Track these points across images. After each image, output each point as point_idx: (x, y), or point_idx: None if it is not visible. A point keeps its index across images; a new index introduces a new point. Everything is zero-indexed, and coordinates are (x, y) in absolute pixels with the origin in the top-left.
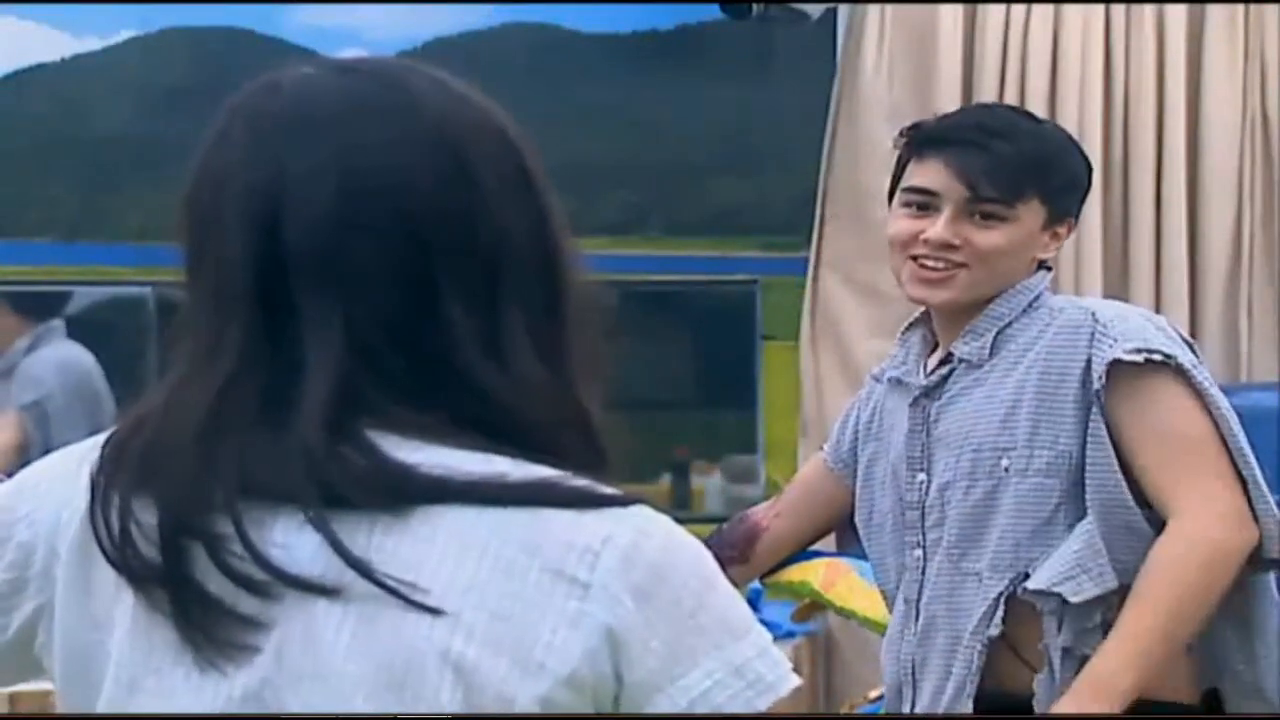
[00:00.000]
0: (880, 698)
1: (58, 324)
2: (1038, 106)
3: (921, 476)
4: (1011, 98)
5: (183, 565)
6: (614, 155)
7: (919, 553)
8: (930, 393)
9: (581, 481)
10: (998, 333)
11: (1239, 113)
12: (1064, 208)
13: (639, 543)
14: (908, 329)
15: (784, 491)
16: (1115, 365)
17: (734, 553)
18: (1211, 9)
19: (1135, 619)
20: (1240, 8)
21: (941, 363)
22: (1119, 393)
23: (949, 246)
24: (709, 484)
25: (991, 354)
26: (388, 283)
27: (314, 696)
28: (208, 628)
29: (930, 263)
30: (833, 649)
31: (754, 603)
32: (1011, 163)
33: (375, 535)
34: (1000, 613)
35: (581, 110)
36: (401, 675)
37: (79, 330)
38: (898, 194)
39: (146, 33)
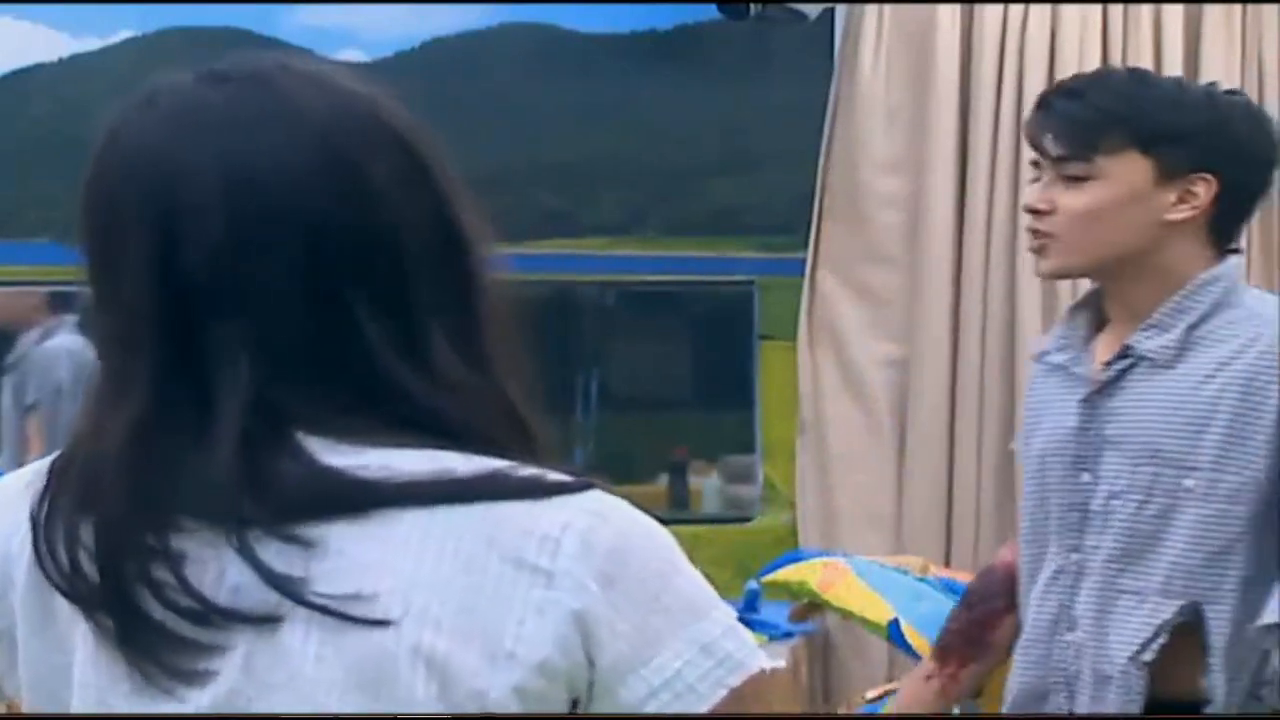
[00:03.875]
0: (880, 697)
1: (71, 319)
2: None
3: (1087, 477)
4: (1009, 98)
5: (126, 596)
6: (611, 155)
7: (1077, 557)
8: (1104, 389)
9: (532, 470)
10: (1187, 329)
11: None
12: (1181, 161)
13: (597, 527)
14: (1076, 308)
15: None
16: None
17: (1005, 601)
18: (1209, 9)
19: None
20: (1237, 8)
21: (1118, 355)
22: None
23: (1037, 212)
24: (707, 484)
25: (1179, 354)
26: (293, 296)
27: (286, 704)
28: (157, 657)
29: (1033, 231)
30: (830, 650)
31: (752, 603)
32: (1079, 117)
33: (321, 547)
34: (1160, 641)
35: (579, 110)
36: (374, 675)
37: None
38: None
39: (145, 33)
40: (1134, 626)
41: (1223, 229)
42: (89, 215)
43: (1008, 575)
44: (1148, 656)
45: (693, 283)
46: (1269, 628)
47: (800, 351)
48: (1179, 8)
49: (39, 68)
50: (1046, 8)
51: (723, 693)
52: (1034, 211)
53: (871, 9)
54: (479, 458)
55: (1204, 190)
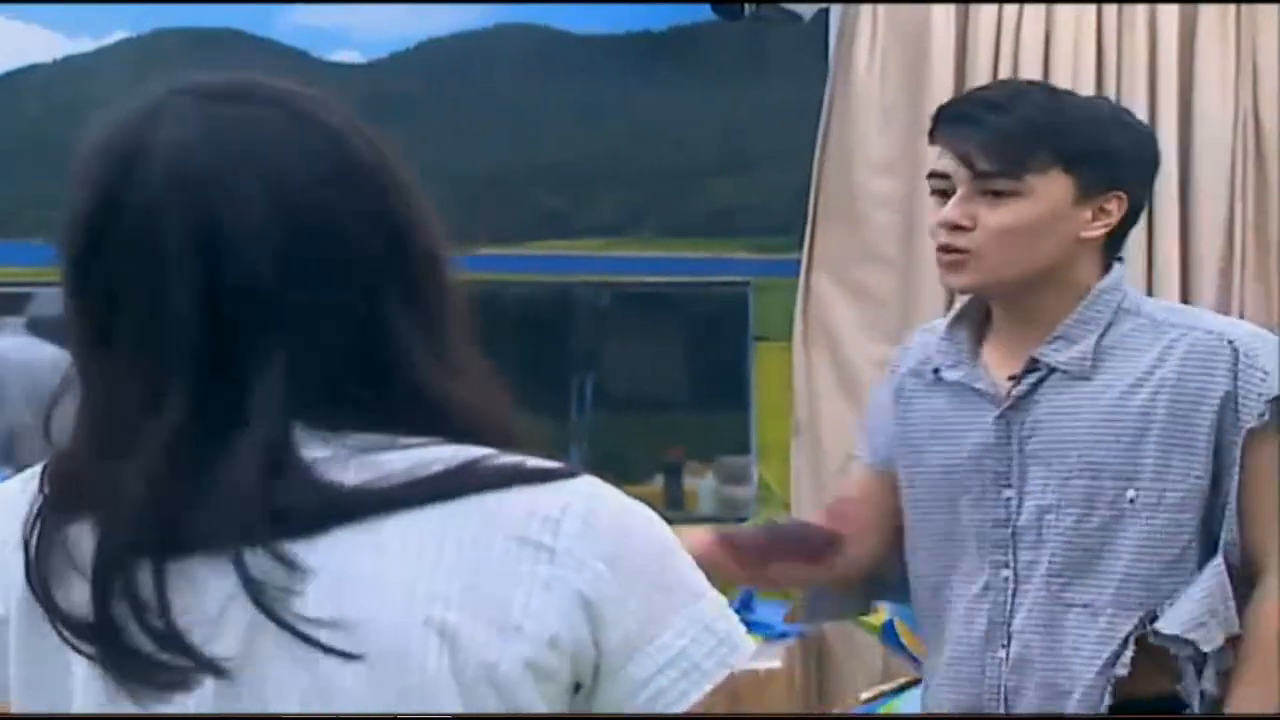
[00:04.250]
0: (874, 698)
1: (15, 321)
2: None
3: (1009, 493)
4: None
5: (112, 625)
6: (607, 156)
7: (1008, 573)
8: (1018, 404)
9: (526, 458)
10: (1097, 340)
11: (1231, 113)
12: (1099, 179)
13: (596, 508)
14: (957, 321)
15: (839, 508)
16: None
17: (819, 551)
18: (1204, 9)
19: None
20: (1232, 8)
21: (1026, 369)
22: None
23: (958, 228)
24: (702, 485)
25: (1094, 365)
26: (338, 310)
27: (299, 679)
28: (144, 677)
29: (948, 247)
30: (825, 650)
31: (748, 603)
32: (1009, 134)
33: (316, 561)
34: (1129, 653)
35: (574, 111)
36: (386, 646)
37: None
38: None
39: (140, 34)
40: (1092, 640)
41: (1118, 240)
42: (107, 228)
43: (831, 540)
44: (1120, 670)
45: (688, 283)
46: (1173, 639)
47: (795, 352)
48: (1174, 8)
49: (34, 68)
50: (1041, 8)
51: (725, 671)
52: (955, 227)
53: (866, 9)
54: (470, 448)
55: (1116, 208)
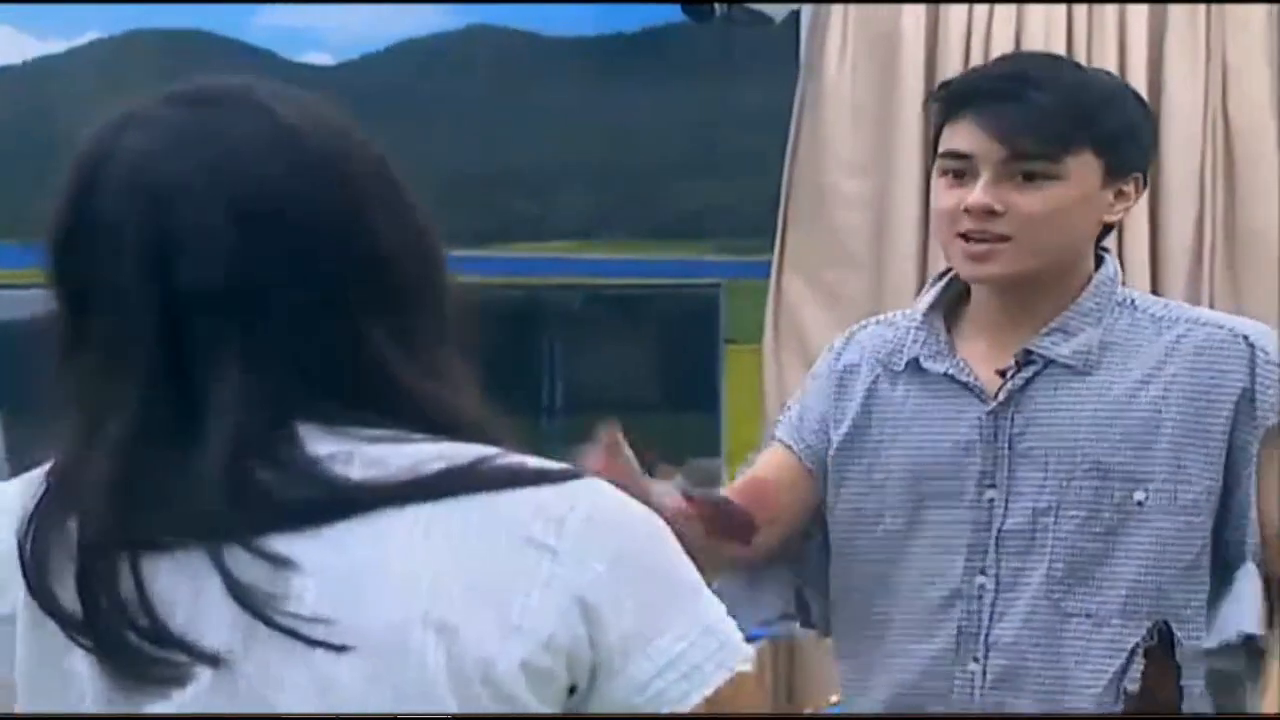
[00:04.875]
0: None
1: None
2: None
3: (993, 494)
4: None
5: (101, 622)
6: (577, 158)
7: (984, 580)
8: (1009, 399)
9: (530, 458)
10: (1101, 333)
11: (1200, 114)
12: (1124, 160)
13: (600, 508)
14: (931, 311)
15: (755, 486)
16: None
17: (740, 530)
18: (1173, 9)
19: None
20: (1201, 8)
21: (1021, 362)
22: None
23: (991, 214)
24: (672, 487)
25: (1096, 360)
26: (292, 304)
27: (295, 672)
28: (140, 673)
29: (976, 235)
30: (795, 652)
31: None
32: (1053, 112)
33: (307, 559)
34: (1138, 665)
35: (545, 113)
36: (384, 639)
37: (43, 333)
38: (935, 165)
39: (111, 35)
40: (1098, 652)
41: (1110, 227)
42: (73, 233)
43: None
44: (1130, 685)
45: (658, 286)
46: (1224, 647)
47: (766, 354)
48: (1143, 8)
49: (3, 69)
50: (1012, 8)
51: (725, 674)
52: (986, 212)
53: (837, 10)
54: (473, 446)
55: (1134, 190)
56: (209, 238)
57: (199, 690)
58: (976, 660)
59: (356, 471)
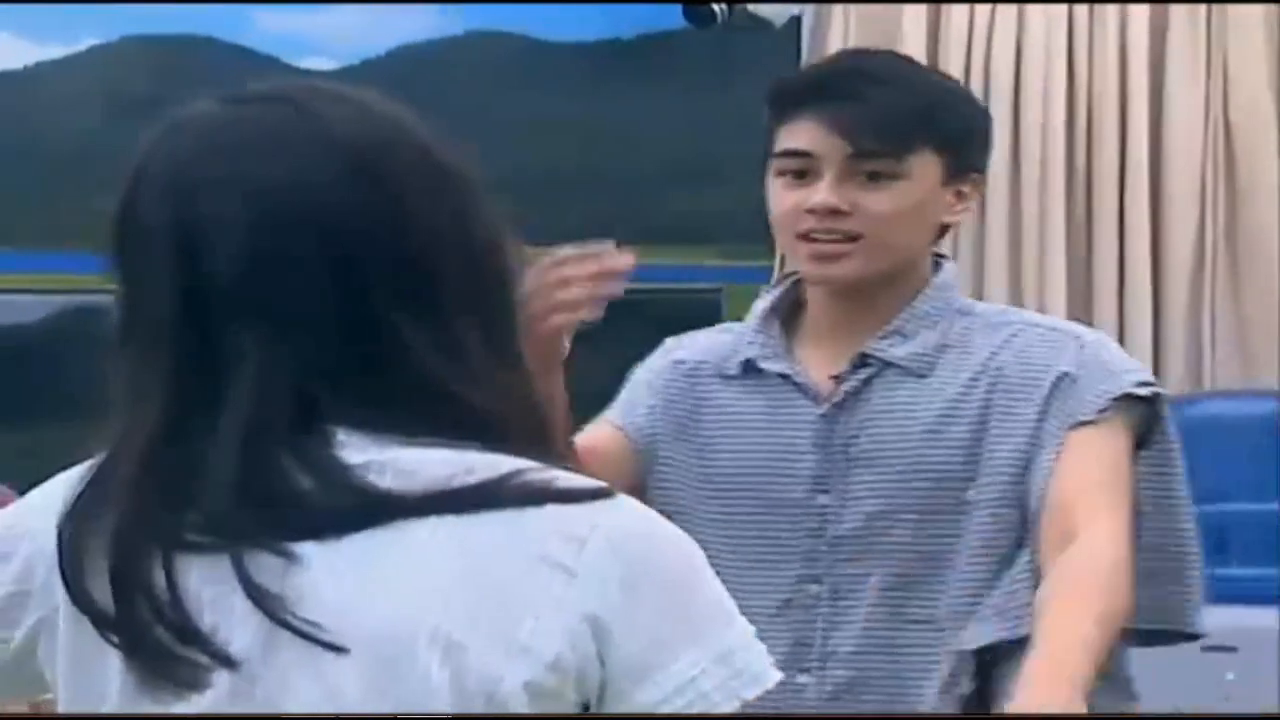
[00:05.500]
0: None
1: None
2: (1002, 108)
3: (825, 499)
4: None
5: (133, 619)
6: (578, 163)
7: (819, 589)
8: (844, 402)
9: (559, 473)
10: (939, 336)
11: (1201, 118)
12: (963, 160)
13: (626, 530)
14: (770, 312)
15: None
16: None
17: None
18: (1174, 9)
19: (1065, 612)
20: (1202, 9)
21: (856, 364)
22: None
23: (837, 213)
24: None
25: (932, 362)
26: (318, 302)
27: (306, 682)
28: (166, 673)
29: (823, 235)
30: None
31: None
32: (895, 110)
33: (333, 558)
34: (972, 666)
35: (546, 118)
36: (390, 652)
37: (39, 339)
38: (770, 165)
39: (109, 40)
40: (936, 660)
41: (946, 229)
42: (118, 238)
43: None
44: (966, 689)
45: (659, 290)
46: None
47: None
48: (1145, 8)
49: (3, 76)
50: (1012, 8)
51: (735, 704)
52: (832, 212)
53: (838, 10)
54: (509, 459)
55: (973, 191)
56: (227, 232)
57: (218, 696)
58: (807, 671)
59: (387, 481)
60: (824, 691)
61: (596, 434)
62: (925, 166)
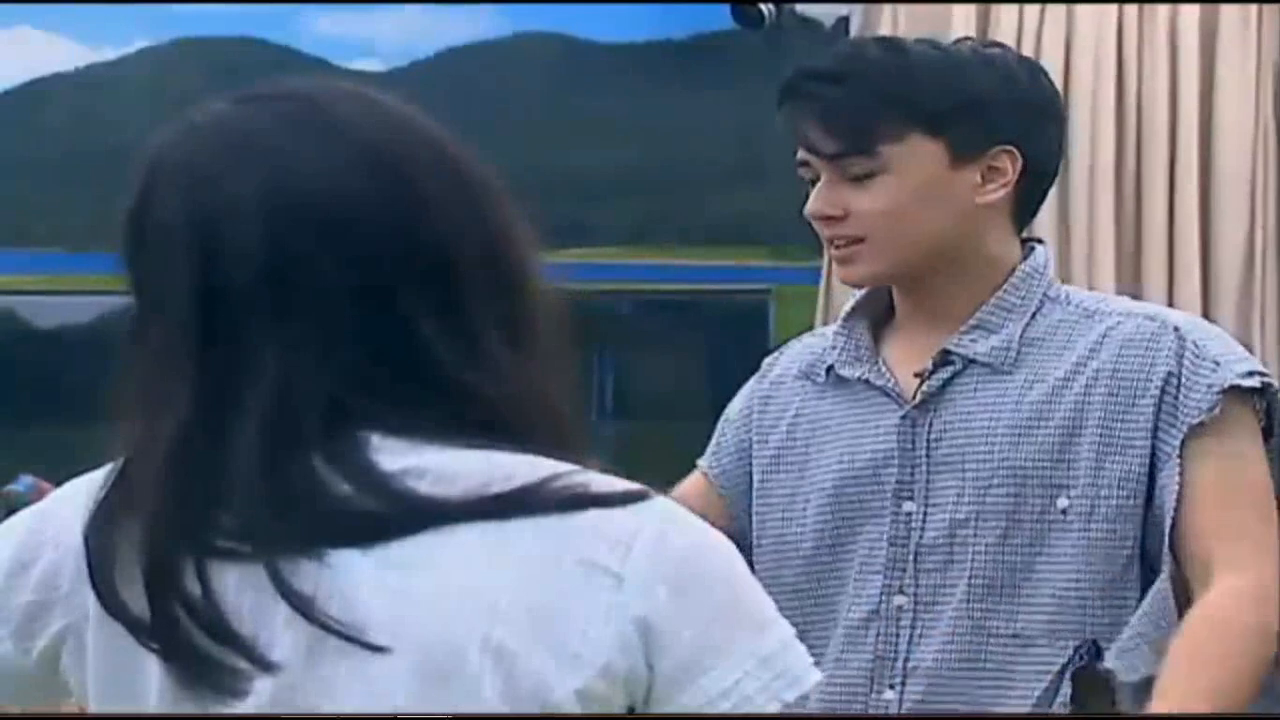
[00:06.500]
0: None
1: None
2: None
3: (910, 507)
4: None
5: (169, 624)
6: (626, 164)
7: (903, 600)
8: (926, 403)
9: (599, 477)
10: (1022, 329)
11: (1252, 113)
12: (973, 136)
13: (669, 534)
14: (853, 313)
15: None
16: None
17: None
18: (1225, 9)
19: (1186, 677)
20: (1254, 9)
21: (939, 363)
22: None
23: (830, 219)
24: None
25: (1017, 358)
26: (338, 303)
27: (351, 691)
28: (205, 677)
29: (833, 239)
30: None
31: None
32: (849, 108)
33: (377, 564)
34: (1067, 688)
35: (594, 119)
36: (442, 660)
37: (94, 339)
38: None
39: (160, 43)
40: (1024, 675)
41: (1026, 209)
42: (133, 237)
43: None
44: (1059, 709)
45: (708, 291)
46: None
47: None
48: (1195, 8)
49: (56, 77)
50: (1062, 8)
51: (777, 706)
52: (825, 218)
53: (886, 10)
54: (545, 461)
55: (1009, 164)
56: (244, 230)
57: (259, 704)
58: (893, 687)
59: (427, 486)
60: (902, 709)
61: (684, 488)
62: (916, 154)
